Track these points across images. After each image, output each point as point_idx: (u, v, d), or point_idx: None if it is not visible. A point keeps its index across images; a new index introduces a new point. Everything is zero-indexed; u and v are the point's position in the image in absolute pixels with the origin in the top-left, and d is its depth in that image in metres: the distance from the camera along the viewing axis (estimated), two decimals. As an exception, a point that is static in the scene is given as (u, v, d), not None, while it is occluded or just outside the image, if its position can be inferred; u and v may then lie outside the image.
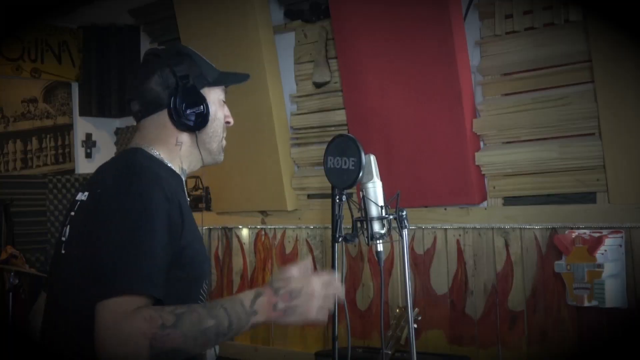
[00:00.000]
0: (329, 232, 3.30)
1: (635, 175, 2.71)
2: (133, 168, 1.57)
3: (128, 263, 1.40)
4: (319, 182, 3.66)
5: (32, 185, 4.78)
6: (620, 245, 2.76)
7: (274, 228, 3.99)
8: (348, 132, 3.21)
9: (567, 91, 2.93)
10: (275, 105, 3.77)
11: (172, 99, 1.64)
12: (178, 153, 1.69)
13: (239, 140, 3.88)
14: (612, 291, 2.72)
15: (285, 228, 3.93)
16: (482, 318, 3.16)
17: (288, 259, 3.91)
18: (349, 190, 2.27)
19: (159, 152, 1.66)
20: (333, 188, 2.25)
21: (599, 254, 2.72)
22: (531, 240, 3.03)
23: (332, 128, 3.64)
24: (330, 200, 2.27)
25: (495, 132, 3.10)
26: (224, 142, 1.77)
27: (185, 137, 1.68)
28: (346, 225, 2.24)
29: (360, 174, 2.15)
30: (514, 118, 3.04)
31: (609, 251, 2.73)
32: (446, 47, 3.04)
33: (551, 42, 2.94)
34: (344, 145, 2.21)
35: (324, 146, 2.29)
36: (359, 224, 2.19)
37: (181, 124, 1.65)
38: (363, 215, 2.16)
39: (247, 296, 1.44)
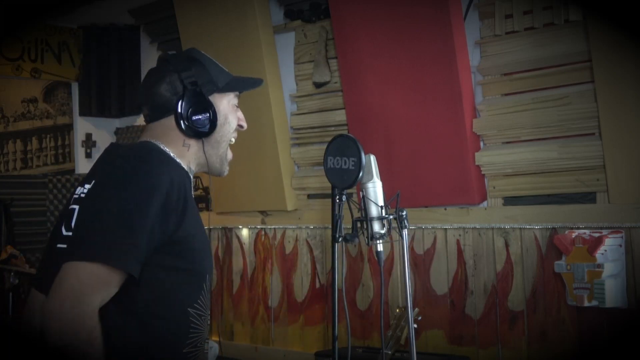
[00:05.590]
0: (329, 232, 3.29)
1: (635, 175, 2.71)
2: (146, 150, 1.62)
3: (112, 235, 1.44)
4: (319, 182, 3.66)
5: (32, 185, 4.78)
6: (620, 245, 2.76)
7: (274, 228, 3.98)
8: (348, 132, 3.21)
9: (567, 91, 2.93)
10: (275, 105, 3.77)
11: (179, 104, 1.66)
12: (186, 153, 1.71)
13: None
14: (612, 291, 2.71)
15: (285, 228, 3.93)
16: (482, 318, 3.16)
17: (288, 259, 3.91)
18: (349, 190, 2.27)
19: (168, 149, 1.68)
20: (333, 188, 2.25)
21: (599, 254, 2.71)
22: (531, 240, 3.03)
23: (332, 128, 3.64)
24: (330, 200, 2.27)
25: (495, 132, 3.10)
26: (230, 154, 1.79)
27: (192, 141, 1.71)
28: (346, 225, 2.24)
29: (360, 174, 2.15)
30: (514, 118, 3.04)
31: (609, 251, 2.73)
32: (446, 47, 3.03)
33: (551, 42, 2.94)
34: (344, 145, 2.21)
35: (324, 146, 2.29)
36: (359, 224, 2.19)
37: (188, 130, 1.67)
38: (363, 215, 2.17)
39: None
